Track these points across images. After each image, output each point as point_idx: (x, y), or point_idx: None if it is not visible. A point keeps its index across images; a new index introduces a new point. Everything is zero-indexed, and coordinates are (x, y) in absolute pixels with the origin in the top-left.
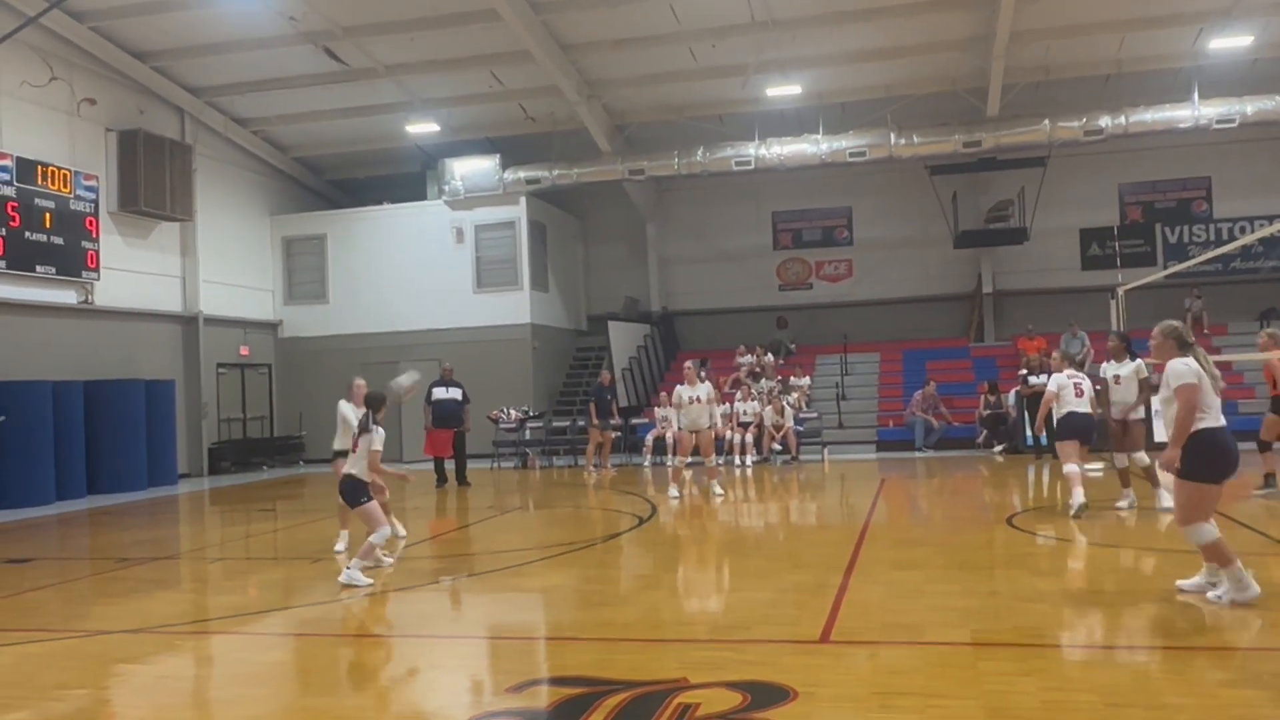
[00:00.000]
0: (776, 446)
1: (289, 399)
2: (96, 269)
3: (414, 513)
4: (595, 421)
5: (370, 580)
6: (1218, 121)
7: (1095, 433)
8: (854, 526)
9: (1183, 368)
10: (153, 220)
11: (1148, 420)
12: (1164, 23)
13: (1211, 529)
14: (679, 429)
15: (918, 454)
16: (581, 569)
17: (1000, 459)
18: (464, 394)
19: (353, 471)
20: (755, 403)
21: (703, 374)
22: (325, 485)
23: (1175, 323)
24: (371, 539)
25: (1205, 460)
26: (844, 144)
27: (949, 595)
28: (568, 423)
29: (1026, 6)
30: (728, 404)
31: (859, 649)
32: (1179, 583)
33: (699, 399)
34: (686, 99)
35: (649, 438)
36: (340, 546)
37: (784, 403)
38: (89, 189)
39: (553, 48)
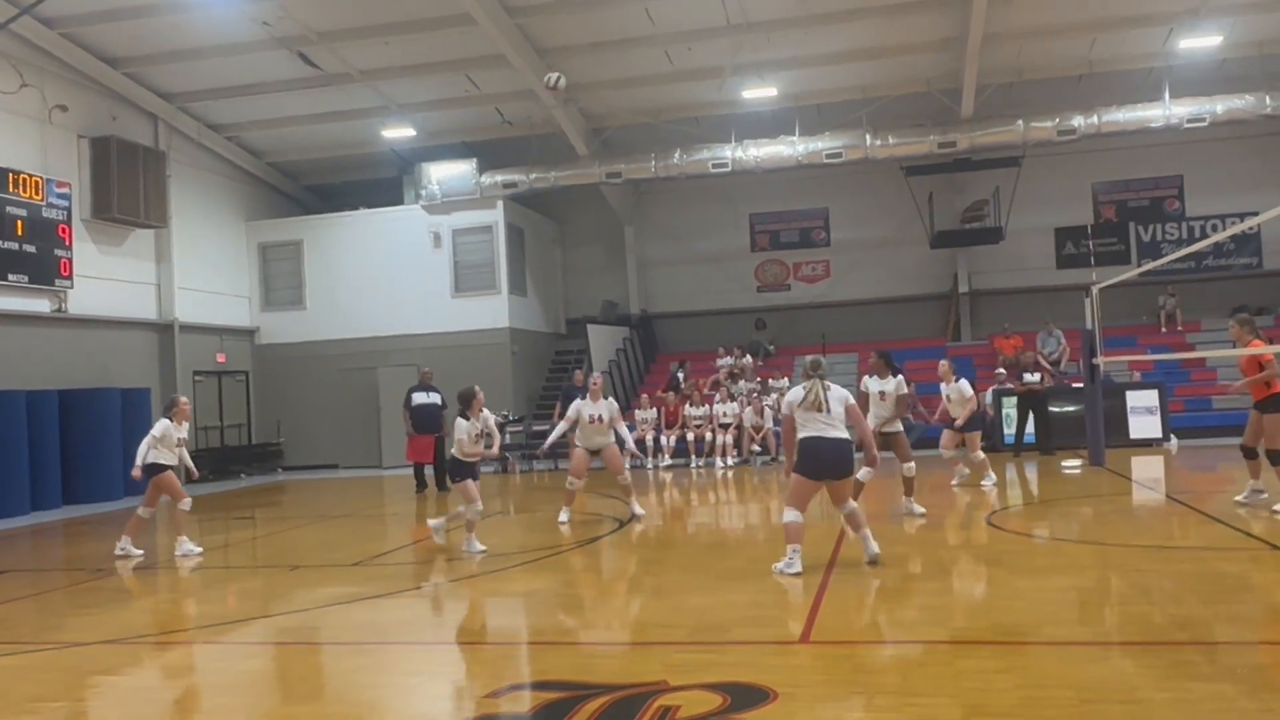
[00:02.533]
0: (756, 448)
1: (267, 406)
2: (70, 277)
3: (394, 518)
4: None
5: (483, 548)
6: (1188, 121)
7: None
8: (833, 526)
9: None
10: (127, 227)
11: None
12: (1134, 23)
13: None
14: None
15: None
16: (562, 573)
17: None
18: (443, 399)
19: (453, 453)
20: (735, 404)
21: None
22: (304, 492)
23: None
24: (460, 509)
25: None
26: (820, 145)
27: (928, 594)
28: (547, 426)
29: (999, 8)
30: (707, 406)
31: (838, 649)
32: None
33: (600, 418)
34: (663, 102)
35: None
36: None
37: (763, 404)
38: (62, 196)
39: (528, 51)
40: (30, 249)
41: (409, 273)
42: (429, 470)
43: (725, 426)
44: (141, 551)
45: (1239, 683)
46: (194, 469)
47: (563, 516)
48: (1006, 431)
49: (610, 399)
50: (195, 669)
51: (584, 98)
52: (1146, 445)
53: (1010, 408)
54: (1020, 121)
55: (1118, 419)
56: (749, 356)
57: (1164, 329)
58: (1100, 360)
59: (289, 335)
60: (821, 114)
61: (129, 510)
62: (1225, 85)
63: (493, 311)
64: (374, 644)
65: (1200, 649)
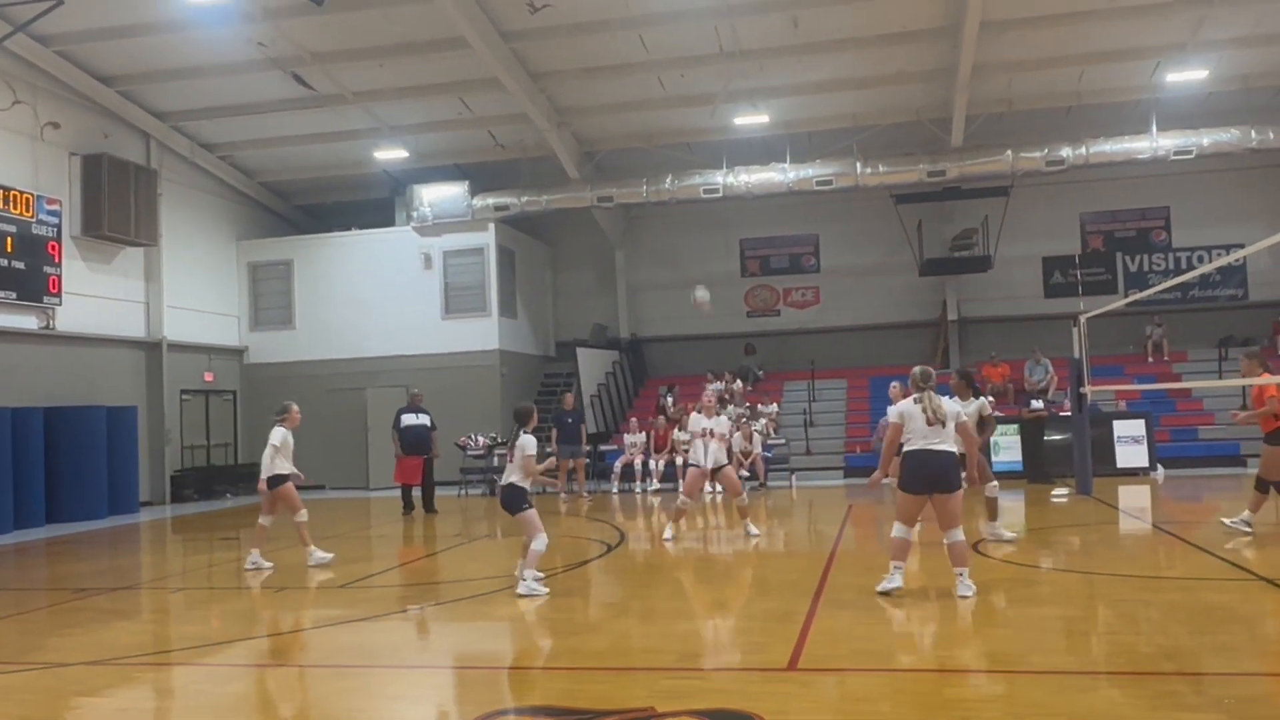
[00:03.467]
0: (745, 473)
1: (254, 426)
2: (59, 294)
3: (380, 540)
4: (553, 448)
5: (547, 589)
6: (1175, 153)
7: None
8: (822, 553)
9: None
10: (117, 245)
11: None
12: (1122, 56)
13: None
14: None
15: (885, 480)
16: (549, 597)
17: (966, 484)
18: (432, 421)
19: (513, 479)
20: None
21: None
22: (290, 513)
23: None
24: (533, 546)
25: None
26: (811, 172)
27: (915, 621)
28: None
29: (989, 40)
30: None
31: (826, 676)
32: None
33: (714, 432)
34: (655, 127)
35: (617, 464)
36: (254, 562)
37: (752, 429)
38: (52, 213)
39: (522, 75)
40: (19, 265)
41: (399, 294)
42: (416, 492)
43: None
44: (272, 565)
45: (1226, 714)
46: (300, 475)
47: (667, 534)
48: (995, 459)
49: (723, 415)
50: (178, 691)
51: (576, 122)
52: (1133, 474)
53: (998, 435)
54: (1009, 151)
55: (1105, 448)
56: (739, 381)
57: (1150, 359)
58: (1088, 389)
59: (278, 355)
60: (812, 141)
61: (113, 529)
62: (1211, 119)
63: (483, 333)
64: (359, 667)
65: (1187, 679)
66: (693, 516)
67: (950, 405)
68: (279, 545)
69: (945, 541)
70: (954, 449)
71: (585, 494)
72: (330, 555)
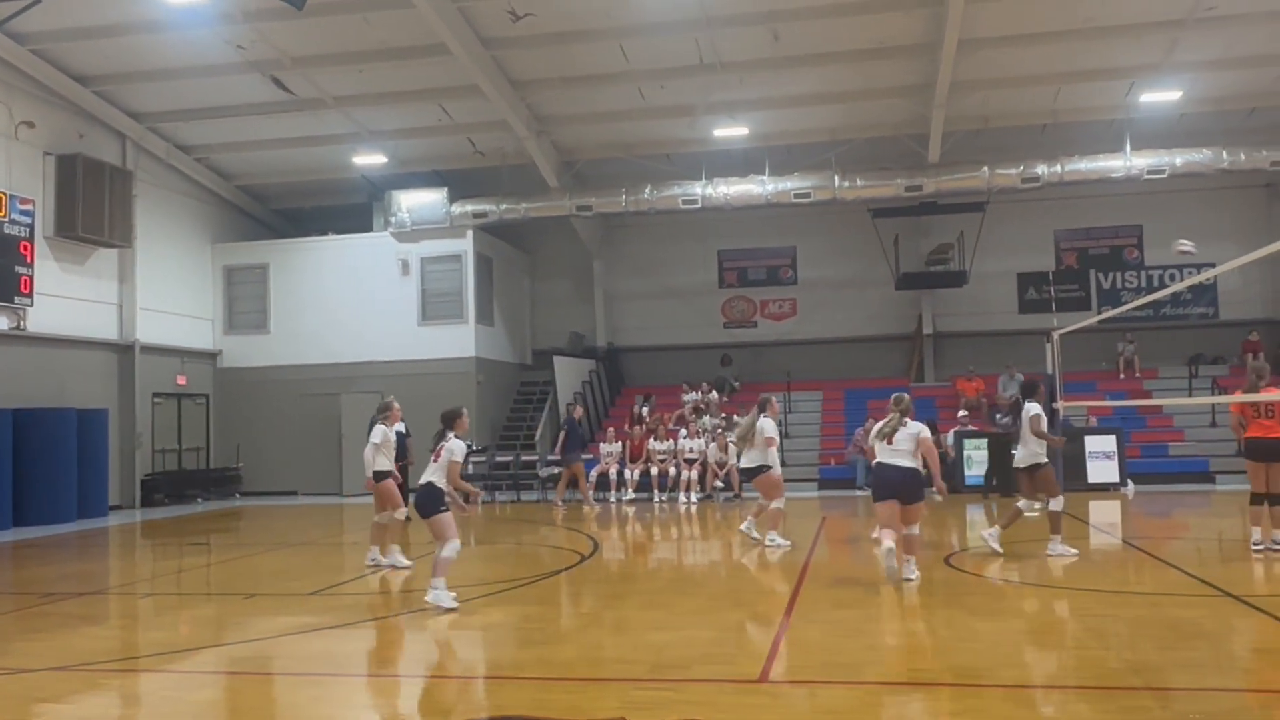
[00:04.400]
0: (719, 484)
1: (227, 430)
2: (30, 294)
3: (352, 548)
4: (562, 457)
5: (454, 597)
6: (1148, 172)
7: None
8: (795, 565)
9: None
10: (90, 246)
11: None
12: (1097, 76)
13: None
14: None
15: (859, 492)
16: (522, 606)
17: (939, 498)
18: (406, 428)
19: (432, 479)
20: (700, 440)
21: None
22: (262, 519)
23: None
24: (443, 553)
25: None
26: (789, 185)
27: (885, 634)
28: (511, 457)
29: (967, 57)
30: (672, 440)
31: (797, 688)
32: None
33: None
34: (635, 137)
35: (593, 474)
36: (373, 559)
37: (728, 440)
38: (25, 213)
39: (502, 83)
40: None
41: (376, 299)
42: None
43: (690, 462)
44: (411, 563)
45: None
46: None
47: (777, 540)
48: (969, 473)
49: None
50: (144, 698)
51: (556, 131)
52: (1104, 490)
53: (972, 449)
54: (986, 168)
55: (1076, 463)
56: (715, 392)
57: (1122, 375)
58: (1060, 405)
59: (252, 359)
60: (791, 154)
61: (82, 533)
62: (1184, 139)
63: (459, 340)
64: (329, 675)
65: (1154, 694)
66: (666, 526)
67: (907, 429)
68: (246, 552)
69: (904, 532)
70: (912, 464)
71: (593, 503)
72: (409, 562)
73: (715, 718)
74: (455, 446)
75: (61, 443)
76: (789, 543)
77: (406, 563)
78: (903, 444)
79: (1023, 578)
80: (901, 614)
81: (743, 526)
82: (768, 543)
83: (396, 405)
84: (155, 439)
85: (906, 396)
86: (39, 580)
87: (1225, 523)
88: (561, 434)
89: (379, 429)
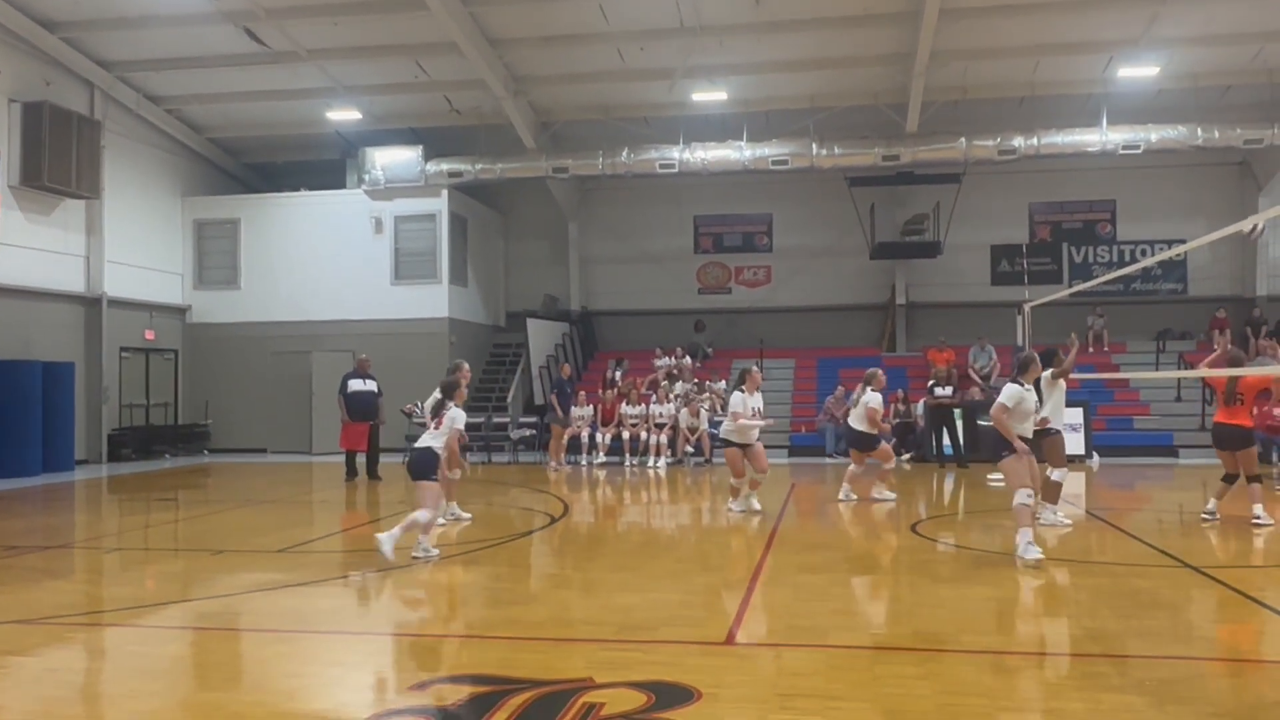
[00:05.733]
0: (689, 449)
1: (195, 386)
2: None
3: (322, 506)
4: (559, 416)
5: (437, 552)
6: (1124, 147)
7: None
8: (763, 530)
9: None
10: (56, 196)
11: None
12: (1076, 49)
13: None
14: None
15: (828, 460)
16: (491, 567)
17: (907, 467)
18: (379, 387)
19: (431, 444)
20: (671, 405)
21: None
22: (230, 476)
23: None
24: (419, 515)
25: None
26: (767, 152)
27: (852, 599)
28: (483, 419)
29: (947, 26)
30: (644, 405)
31: (763, 651)
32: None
33: (759, 411)
34: (613, 99)
35: (564, 436)
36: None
37: (699, 406)
38: None
39: (480, 41)
40: None
41: (348, 258)
42: (360, 458)
43: (660, 426)
44: (470, 515)
45: (1147, 695)
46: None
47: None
48: (934, 442)
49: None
50: (110, 652)
51: (533, 90)
52: (1069, 461)
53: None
54: (963, 139)
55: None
56: (688, 358)
57: (1091, 349)
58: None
59: (221, 315)
60: (769, 121)
61: (47, 487)
62: (1160, 115)
63: (432, 301)
64: (296, 632)
65: (1112, 661)
66: (636, 490)
67: (864, 398)
68: (214, 508)
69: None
70: (861, 426)
71: (565, 464)
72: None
73: (683, 679)
74: (457, 414)
75: (27, 396)
76: (894, 495)
77: (466, 516)
78: None
79: (987, 546)
80: (867, 580)
81: (735, 506)
82: (875, 495)
83: (466, 365)
84: (123, 394)
85: None
86: (2, 533)
87: (1187, 495)
88: (553, 394)
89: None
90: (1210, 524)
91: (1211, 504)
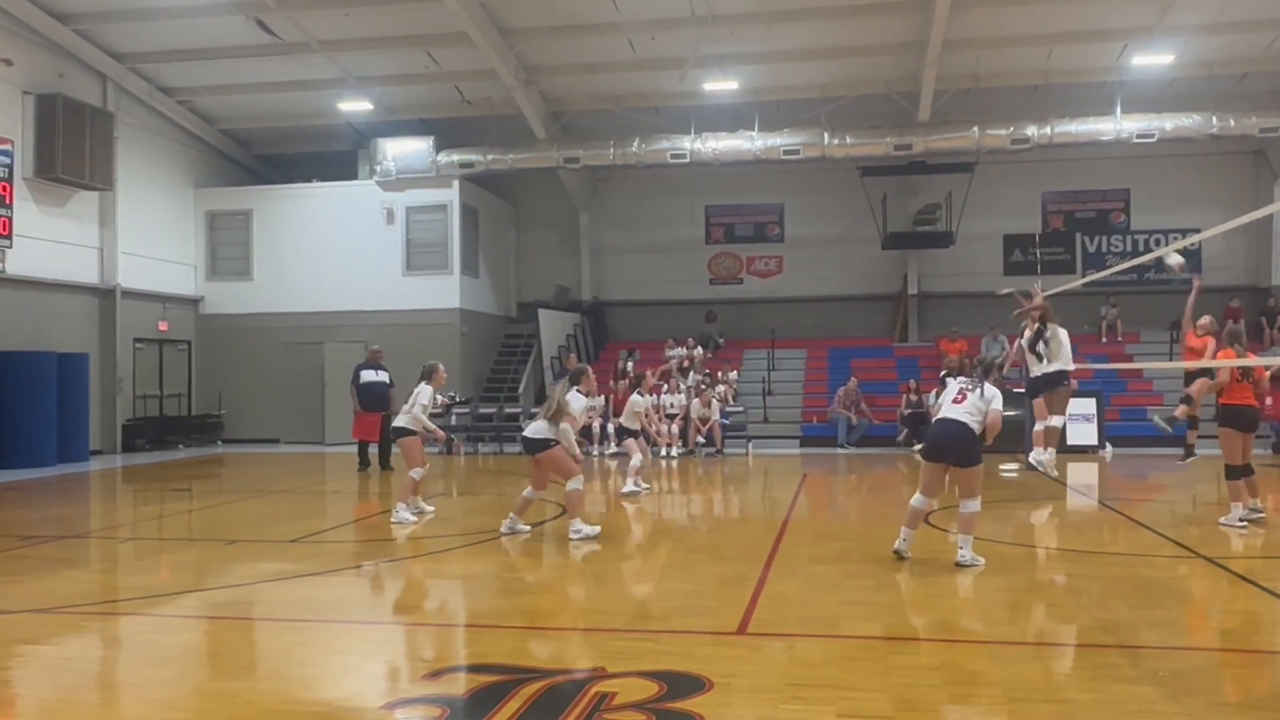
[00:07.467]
0: (701, 439)
1: (208, 377)
2: (9, 237)
3: (334, 496)
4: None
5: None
6: (1138, 136)
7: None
8: (775, 520)
9: None
10: (70, 188)
11: None
12: (1090, 37)
13: None
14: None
15: (840, 450)
16: (503, 557)
17: (919, 457)
18: (390, 378)
19: (402, 423)
20: (682, 395)
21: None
22: (244, 466)
23: None
24: (410, 473)
25: None
26: (778, 141)
27: (864, 590)
28: (494, 409)
29: (959, 15)
30: (656, 396)
31: (775, 641)
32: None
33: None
34: (624, 89)
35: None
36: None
37: (710, 396)
38: (3, 153)
39: (491, 31)
40: None
41: (360, 248)
42: (372, 449)
43: (672, 417)
44: (433, 509)
45: (1160, 686)
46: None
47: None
48: None
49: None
50: (125, 641)
51: (545, 81)
52: (1082, 451)
53: None
54: (975, 128)
55: None
56: (700, 349)
57: (1104, 339)
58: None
59: (234, 306)
60: (781, 110)
61: (62, 477)
62: (1174, 104)
63: (444, 291)
64: (310, 621)
65: (1124, 652)
66: (648, 480)
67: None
68: (227, 498)
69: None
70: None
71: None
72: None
73: (694, 669)
74: (422, 390)
75: (42, 386)
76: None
77: (430, 510)
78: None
79: (1000, 537)
80: (879, 570)
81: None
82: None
83: (442, 367)
84: (137, 384)
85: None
86: (18, 523)
87: (1201, 486)
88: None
89: (425, 390)
90: (1260, 521)
91: (1255, 502)
